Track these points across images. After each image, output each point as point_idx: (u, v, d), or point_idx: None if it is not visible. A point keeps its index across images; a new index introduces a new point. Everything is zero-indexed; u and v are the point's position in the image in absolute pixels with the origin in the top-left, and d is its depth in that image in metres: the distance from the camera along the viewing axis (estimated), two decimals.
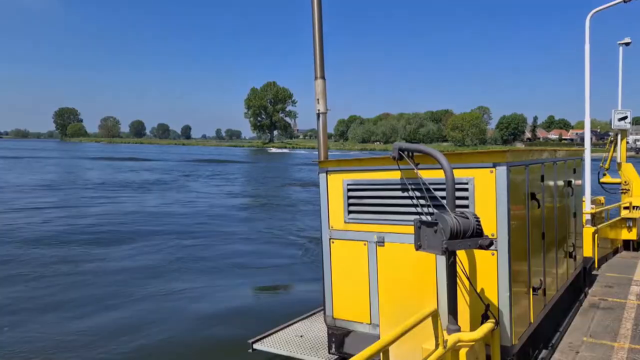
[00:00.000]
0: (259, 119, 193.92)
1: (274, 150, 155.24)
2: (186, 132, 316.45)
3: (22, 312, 10.49)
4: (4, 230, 19.05)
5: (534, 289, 5.15)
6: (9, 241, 17.23)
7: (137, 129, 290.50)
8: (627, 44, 14.49)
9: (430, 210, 4.65)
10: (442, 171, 4.15)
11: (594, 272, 9.59)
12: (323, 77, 6.10)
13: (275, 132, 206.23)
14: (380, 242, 5.05)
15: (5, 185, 36.49)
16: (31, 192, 33.19)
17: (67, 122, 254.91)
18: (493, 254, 4.41)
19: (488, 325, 4.21)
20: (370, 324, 5.21)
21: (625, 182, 14.60)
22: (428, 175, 4.63)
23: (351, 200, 5.29)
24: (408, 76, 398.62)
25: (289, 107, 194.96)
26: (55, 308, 11.05)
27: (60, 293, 12.10)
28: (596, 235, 10.11)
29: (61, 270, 14.07)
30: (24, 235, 18.43)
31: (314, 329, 6.39)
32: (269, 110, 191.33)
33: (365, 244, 5.17)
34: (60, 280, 13.17)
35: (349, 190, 5.29)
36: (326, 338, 5.64)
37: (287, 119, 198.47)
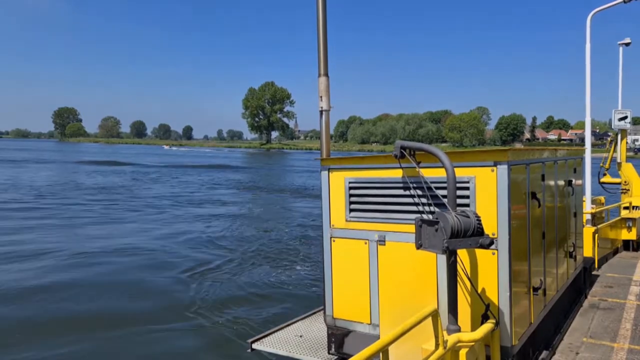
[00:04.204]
0: (256, 119, 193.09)
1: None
2: (187, 132, 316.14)
3: None
4: None
5: (534, 289, 5.13)
6: None
7: (138, 130, 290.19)
8: (627, 44, 14.51)
9: (432, 209, 4.63)
10: (443, 170, 4.14)
11: (594, 272, 9.57)
12: (326, 75, 6.09)
13: (276, 133, 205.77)
14: (382, 241, 5.03)
15: None
16: None
17: (66, 122, 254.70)
18: (493, 254, 4.39)
19: (488, 326, 4.19)
20: (370, 324, 5.19)
21: (625, 182, 14.60)
22: (429, 173, 4.62)
23: (353, 199, 5.27)
24: (408, 77, 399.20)
25: (287, 108, 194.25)
26: None
27: None
28: (596, 235, 10.10)
29: None
30: None
31: (313, 328, 6.36)
32: (267, 110, 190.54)
33: (366, 243, 5.15)
34: None
35: (350, 188, 5.27)
36: (326, 338, 5.62)
37: (285, 120, 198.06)
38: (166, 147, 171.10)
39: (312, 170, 63.91)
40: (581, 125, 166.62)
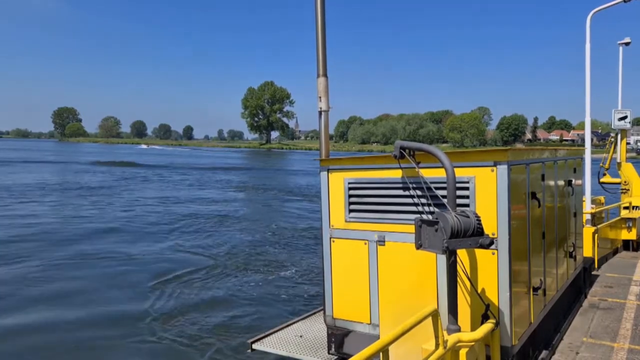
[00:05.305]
0: (255, 119, 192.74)
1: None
2: (188, 132, 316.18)
3: None
4: None
5: (534, 289, 5.14)
6: None
7: (139, 130, 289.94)
8: (627, 44, 14.53)
9: (431, 209, 4.63)
10: (443, 170, 4.13)
11: (594, 272, 9.57)
12: (325, 75, 6.09)
13: (277, 133, 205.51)
14: (381, 241, 5.04)
15: None
16: None
17: (66, 122, 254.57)
18: (493, 254, 4.39)
19: (488, 326, 4.19)
20: (370, 324, 5.20)
21: (625, 182, 14.61)
22: (429, 174, 4.62)
23: (352, 199, 5.27)
24: (409, 77, 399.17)
25: (287, 108, 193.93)
26: None
27: None
28: (596, 235, 10.10)
29: None
30: None
31: (313, 329, 6.37)
32: (266, 110, 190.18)
33: (365, 243, 5.15)
34: None
35: (350, 188, 5.27)
36: (326, 338, 5.62)
37: (285, 120, 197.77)
38: (144, 147, 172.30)
39: (302, 172, 62.95)
40: (583, 125, 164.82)
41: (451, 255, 3.99)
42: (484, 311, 4.40)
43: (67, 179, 44.92)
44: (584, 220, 9.52)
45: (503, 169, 4.32)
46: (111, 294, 12.59)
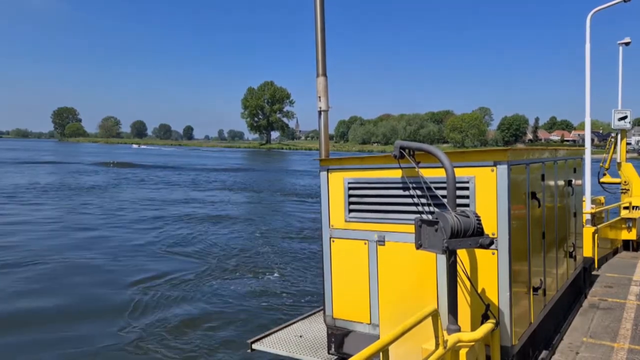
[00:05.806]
0: (255, 119, 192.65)
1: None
2: (188, 132, 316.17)
3: None
4: None
5: (534, 289, 5.14)
6: None
7: (139, 130, 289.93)
8: (627, 44, 14.53)
9: (431, 209, 4.63)
10: (443, 170, 4.13)
11: (594, 272, 9.57)
12: (325, 75, 6.09)
13: (277, 133, 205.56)
14: (381, 241, 5.04)
15: None
16: None
17: (65, 122, 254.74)
18: (493, 254, 4.39)
19: (488, 326, 4.19)
20: (370, 324, 5.20)
21: (625, 182, 14.61)
22: (429, 173, 4.62)
23: (352, 199, 5.27)
24: (409, 77, 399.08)
25: (287, 108, 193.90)
26: None
27: None
28: (596, 235, 10.10)
29: None
30: None
31: (313, 329, 6.37)
32: (266, 110, 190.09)
33: (365, 243, 5.16)
34: None
35: (349, 188, 5.28)
36: (326, 338, 5.62)
37: (285, 120, 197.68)
38: (135, 147, 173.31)
39: (301, 172, 62.07)
40: (584, 125, 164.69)
41: (451, 255, 3.99)
42: (484, 311, 4.40)
43: (60, 179, 44.80)
44: (584, 220, 9.51)
45: (503, 169, 4.32)
46: (99, 295, 12.52)
